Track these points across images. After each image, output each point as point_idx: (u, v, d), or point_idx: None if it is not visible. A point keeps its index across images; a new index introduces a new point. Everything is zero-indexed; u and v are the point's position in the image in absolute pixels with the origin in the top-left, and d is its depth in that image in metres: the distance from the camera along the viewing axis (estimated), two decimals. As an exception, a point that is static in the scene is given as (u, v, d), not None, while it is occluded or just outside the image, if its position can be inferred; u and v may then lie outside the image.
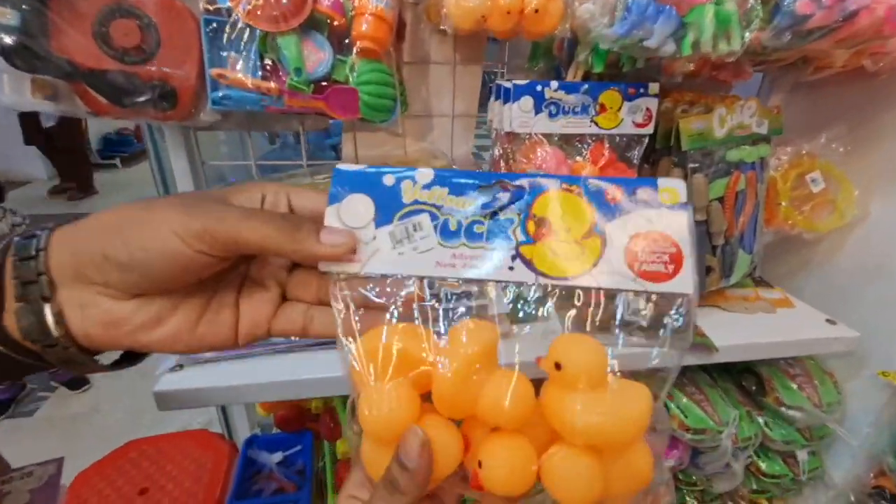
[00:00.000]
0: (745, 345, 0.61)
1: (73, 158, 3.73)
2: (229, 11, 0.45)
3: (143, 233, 0.23)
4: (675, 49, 0.47)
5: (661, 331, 0.28)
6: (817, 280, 0.75)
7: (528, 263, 0.25)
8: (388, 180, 0.26)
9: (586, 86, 0.55)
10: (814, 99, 0.74)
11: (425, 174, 0.27)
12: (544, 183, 0.26)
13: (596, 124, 0.56)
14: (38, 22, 0.41)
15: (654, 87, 0.56)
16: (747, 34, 0.47)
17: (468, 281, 0.26)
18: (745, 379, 0.74)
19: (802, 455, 0.71)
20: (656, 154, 0.63)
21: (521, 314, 0.28)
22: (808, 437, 0.70)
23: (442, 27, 0.58)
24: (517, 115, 0.55)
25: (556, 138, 0.57)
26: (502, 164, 0.62)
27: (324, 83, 0.48)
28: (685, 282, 0.25)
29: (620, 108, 0.56)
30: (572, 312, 0.28)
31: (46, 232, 0.25)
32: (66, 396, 1.79)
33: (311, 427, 0.79)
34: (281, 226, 0.24)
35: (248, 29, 0.45)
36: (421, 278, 0.26)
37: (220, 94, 0.47)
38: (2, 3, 0.39)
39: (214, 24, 0.45)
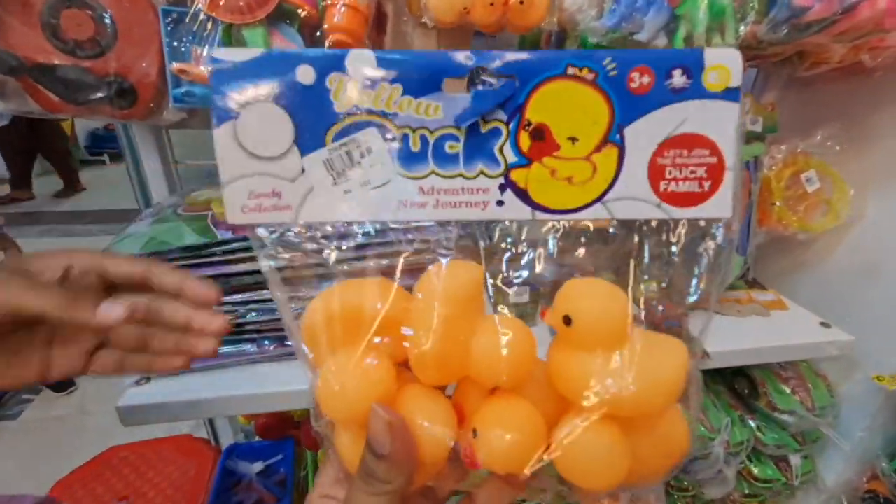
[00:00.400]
0: (737, 350, 0.59)
1: (57, 157, 3.64)
2: (192, 1, 0.42)
3: None
4: (666, 42, 0.45)
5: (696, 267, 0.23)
6: (812, 281, 0.73)
7: (522, 194, 0.19)
8: (306, 75, 0.18)
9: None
10: (809, 95, 0.72)
11: (363, 57, 0.18)
12: (542, 67, 0.18)
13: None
14: (-23, 12, 0.38)
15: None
16: (743, 27, 0.45)
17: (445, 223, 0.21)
18: (738, 382, 0.73)
19: (795, 459, 0.70)
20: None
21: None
22: (800, 441, 0.69)
23: (423, 20, 0.55)
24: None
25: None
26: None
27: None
28: (723, 202, 0.19)
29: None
30: (581, 251, 0.22)
31: None
32: (50, 399, 1.76)
33: (293, 434, 0.76)
34: (58, 300, 0.26)
35: (210, 20, 0.42)
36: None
37: (183, 90, 0.44)
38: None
39: (175, 15, 0.42)
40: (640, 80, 0.18)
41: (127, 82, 0.43)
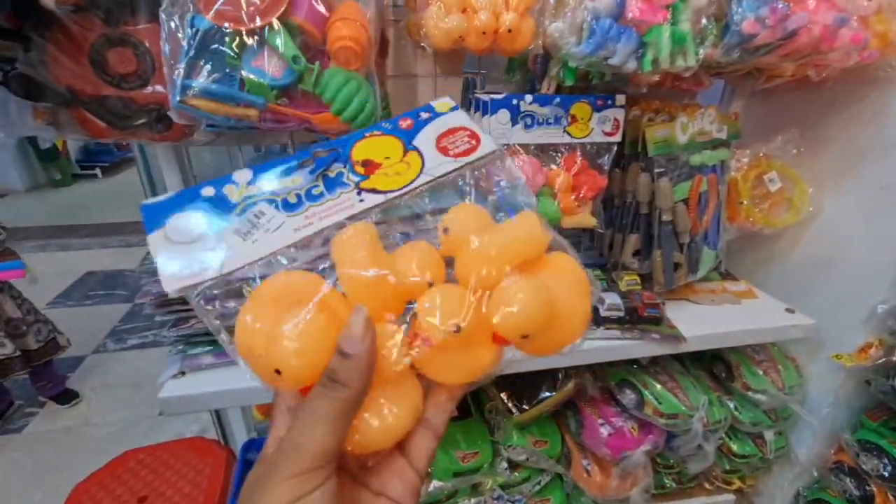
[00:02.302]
0: (711, 334, 0.66)
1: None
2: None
3: None
4: (636, 66, 0.51)
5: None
6: (779, 272, 0.80)
7: (374, 191, 0.29)
8: (208, 192, 0.28)
9: (558, 99, 0.59)
10: (771, 104, 0.79)
11: (243, 174, 0.29)
12: (352, 139, 0.32)
13: (568, 134, 0.60)
14: (38, 54, 0.43)
15: (620, 99, 0.60)
16: (701, 51, 0.52)
17: (329, 228, 0.27)
18: (715, 366, 0.79)
19: (769, 435, 0.76)
20: (626, 159, 0.68)
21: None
22: (773, 418, 0.76)
23: (422, 45, 0.62)
24: (495, 128, 0.59)
25: (532, 147, 0.61)
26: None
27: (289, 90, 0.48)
28: (487, 144, 0.32)
29: (590, 118, 0.60)
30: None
31: None
32: (55, 411, 1.78)
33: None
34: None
35: (223, 41, 0.45)
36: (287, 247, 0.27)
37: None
38: (6, 38, 0.41)
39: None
40: (405, 123, 0.33)
41: (165, 109, 0.48)
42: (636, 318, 0.65)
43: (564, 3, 0.54)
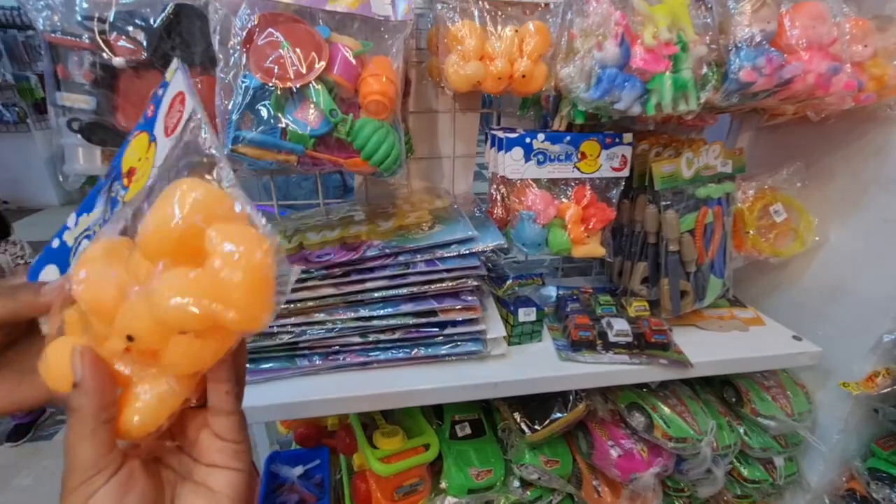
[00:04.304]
0: (718, 360, 0.68)
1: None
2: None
3: None
4: (641, 110, 0.55)
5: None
6: (787, 300, 0.82)
7: (580, 170, 0.43)
8: (55, 244, 0.34)
9: (569, 137, 0.63)
10: (776, 138, 0.82)
11: (71, 218, 0.34)
12: (121, 152, 0.34)
13: (578, 169, 0.64)
14: (107, 105, 0.49)
15: (627, 137, 0.64)
16: (703, 96, 0.56)
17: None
18: (726, 391, 0.81)
19: (779, 461, 0.77)
20: (634, 192, 0.71)
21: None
22: (783, 444, 0.77)
23: (441, 86, 0.67)
24: (509, 164, 0.63)
25: (543, 182, 0.65)
26: (499, 203, 0.70)
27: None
28: (189, 104, 0.28)
29: (599, 155, 0.64)
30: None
31: None
32: (83, 419, 1.84)
33: (327, 443, 0.85)
34: (6, 295, 0.29)
35: (269, 96, 0.51)
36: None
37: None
38: (80, 92, 0.48)
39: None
40: (150, 111, 0.32)
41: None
42: (644, 344, 0.67)
43: (574, 50, 0.59)
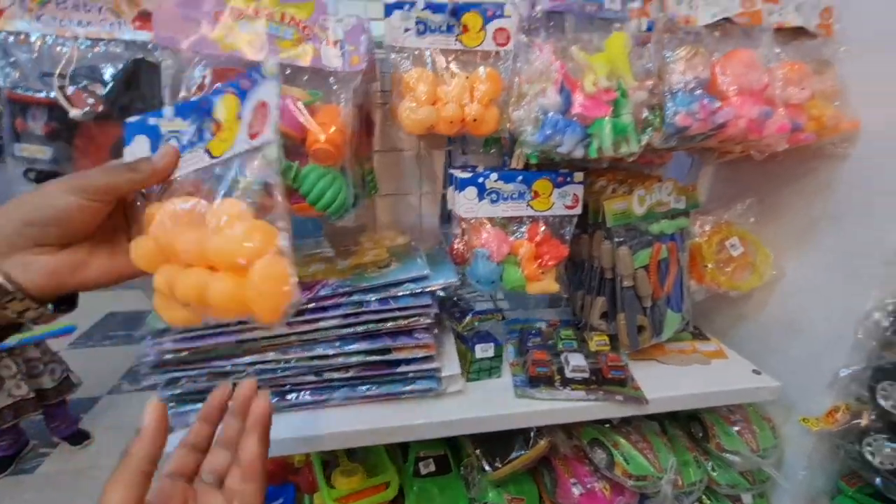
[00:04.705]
0: (675, 396, 0.68)
1: None
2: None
3: (46, 198, 0.35)
4: (583, 153, 0.57)
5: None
6: (752, 332, 0.82)
7: (209, 152, 0.38)
8: (152, 121, 0.41)
9: (521, 176, 0.65)
10: (735, 174, 0.84)
11: (168, 111, 0.40)
12: (220, 92, 0.40)
13: (532, 208, 0.66)
14: (65, 155, 0.51)
15: (578, 176, 0.65)
16: (644, 139, 0.58)
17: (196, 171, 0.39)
18: (693, 426, 0.80)
19: (747, 498, 0.76)
20: (592, 227, 0.73)
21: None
22: (751, 480, 0.76)
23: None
24: (463, 203, 0.65)
25: (498, 220, 0.66)
26: (459, 240, 0.72)
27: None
28: (269, 136, 0.36)
29: (551, 193, 0.66)
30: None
31: None
32: (67, 452, 1.83)
33: (293, 480, 0.84)
34: (125, 168, 0.37)
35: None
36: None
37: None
38: (38, 143, 0.50)
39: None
40: (243, 83, 0.39)
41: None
42: (601, 380, 0.68)
43: (523, 95, 0.61)
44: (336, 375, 0.62)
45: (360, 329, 0.61)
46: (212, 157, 0.38)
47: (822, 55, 0.64)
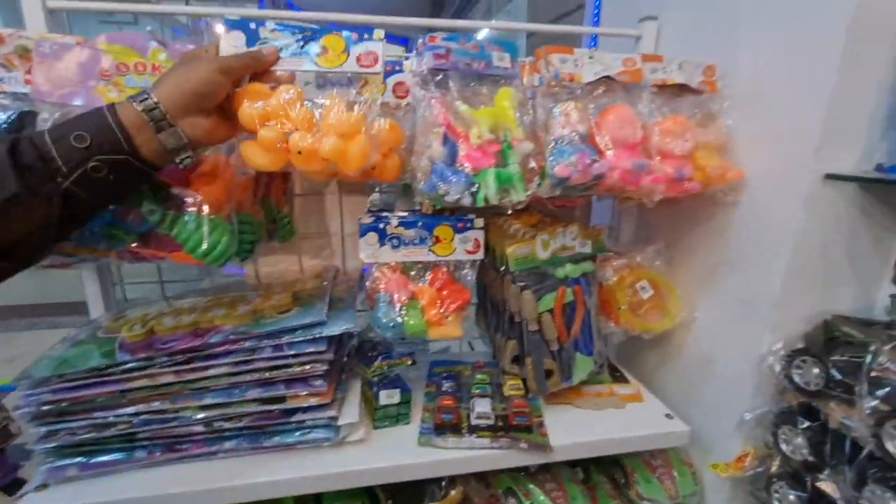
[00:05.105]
0: (584, 442, 0.67)
1: None
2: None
3: (204, 76, 0.47)
4: (471, 201, 0.59)
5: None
6: (671, 373, 0.82)
7: (317, 64, 0.53)
8: (252, 25, 0.53)
9: (421, 222, 0.66)
10: (650, 217, 0.86)
11: (270, 24, 0.53)
12: (325, 31, 0.54)
13: (434, 253, 0.67)
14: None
15: (478, 222, 0.67)
16: (530, 188, 0.59)
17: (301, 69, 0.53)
18: (615, 472, 0.79)
19: (670, 548, 0.74)
20: (503, 271, 0.73)
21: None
22: (673, 529, 0.74)
23: (310, 174, 0.71)
24: (364, 248, 0.65)
25: (401, 265, 0.67)
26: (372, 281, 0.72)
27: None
28: (378, 69, 0.55)
29: (453, 239, 0.67)
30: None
31: (149, 93, 0.45)
32: (3, 502, 1.72)
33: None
34: (250, 54, 0.51)
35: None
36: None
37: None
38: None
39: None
40: (355, 36, 0.55)
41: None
42: (507, 426, 0.67)
43: (421, 144, 0.63)
44: (228, 425, 0.61)
45: (249, 377, 0.60)
46: (319, 67, 0.53)
47: (709, 109, 0.68)
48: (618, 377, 0.83)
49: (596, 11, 1.06)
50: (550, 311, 0.69)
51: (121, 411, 0.58)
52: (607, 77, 0.62)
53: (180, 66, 0.48)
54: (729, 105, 0.67)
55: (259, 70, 0.52)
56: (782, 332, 0.63)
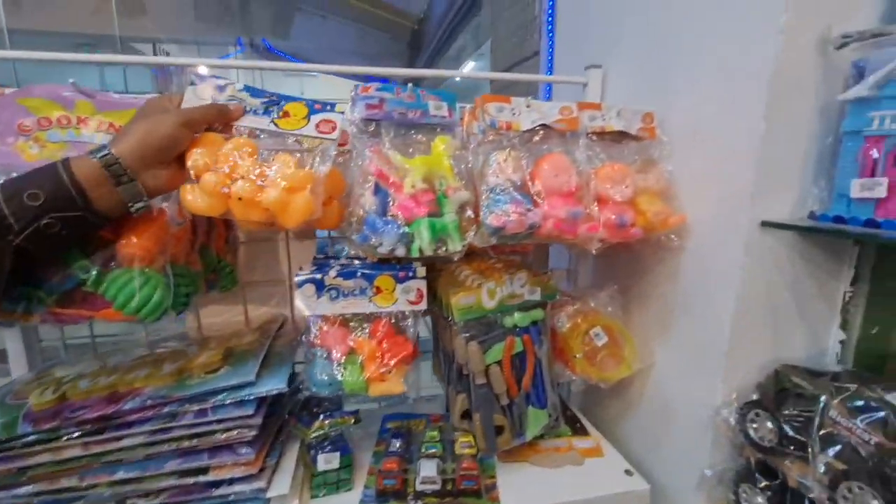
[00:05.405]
0: (538, 507, 0.62)
1: None
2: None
3: (166, 129, 0.47)
4: (405, 251, 0.57)
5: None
6: (633, 424, 0.79)
7: (277, 125, 0.54)
8: (221, 81, 0.55)
9: (360, 272, 0.63)
10: (607, 261, 0.85)
11: (240, 84, 0.56)
12: (289, 99, 0.57)
13: (375, 304, 0.64)
14: None
15: (420, 271, 0.64)
16: (467, 238, 0.58)
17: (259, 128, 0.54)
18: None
19: None
20: (450, 320, 0.71)
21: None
22: None
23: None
24: (302, 300, 0.62)
25: (339, 317, 0.64)
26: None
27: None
28: (334, 136, 0.55)
29: (394, 289, 0.64)
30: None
31: (108, 149, 0.45)
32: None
33: None
34: (217, 109, 0.52)
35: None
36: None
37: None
38: None
39: None
40: (318, 106, 0.57)
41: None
42: (455, 491, 0.62)
43: (356, 194, 0.62)
44: (142, 503, 0.55)
45: (172, 446, 0.55)
46: (278, 128, 0.54)
47: (649, 155, 0.68)
48: (578, 428, 0.79)
49: (549, 59, 1.09)
50: (499, 362, 0.66)
51: (19, 491, 0.52)
52: (544, 126, 0.62)
53: (143, 119, 0.48)
54: (669, 151, 0.68)
55: (221, 124, 0.53)
56: (735, 381, 0.61)
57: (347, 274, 0.63)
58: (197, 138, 0.51)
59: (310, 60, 0.89)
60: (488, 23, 1.81)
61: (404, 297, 0.65)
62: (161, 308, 0.53)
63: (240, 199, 0.50)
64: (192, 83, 0.53)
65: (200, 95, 0.53)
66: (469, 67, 3.81)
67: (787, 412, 0.54)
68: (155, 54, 3.40)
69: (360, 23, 4.67)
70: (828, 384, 0.54)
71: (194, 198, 0.50)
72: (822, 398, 0.52)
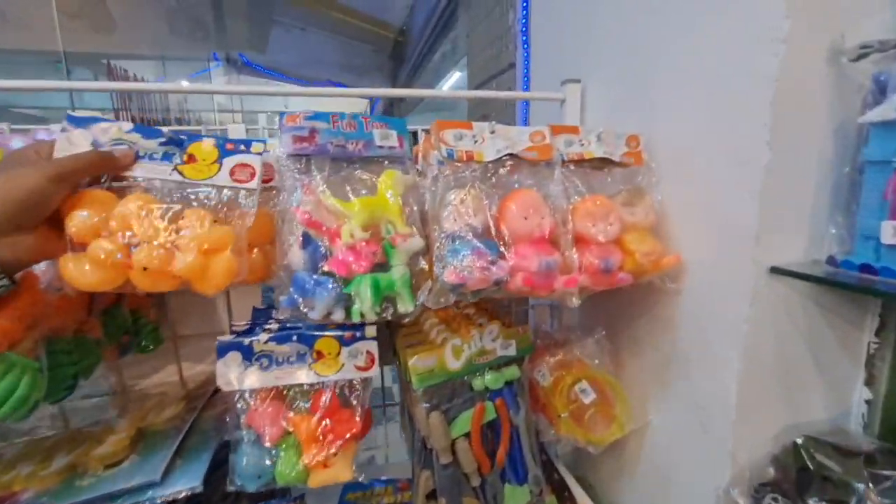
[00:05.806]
0: None
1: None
2: None
3: (29, 185, 0.38)
4: (343, 316, 0.47)
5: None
6: (628, 488, 0.69)
7: (181, 173, 0.45)
8: (104, 125, 0.45)
9: (296, 335, 0.53)
10: (598, 305, 0.75)
11: (125, 124, 0.46)
12: (193, 139, 0.47)
13: (315, 372, 0.53)
14: None
15: (370, 331, 0.54)
16: (423, 296, 0.48)
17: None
18: None
19: None
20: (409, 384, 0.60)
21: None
22: None
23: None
24: (223, 374, 0.52)
25: (271, 390, 0.53)
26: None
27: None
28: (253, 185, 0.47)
29: (339, 353, 0.54)
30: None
31: None
32: None
33: None
34: (98, 155, 0.42)
35: None
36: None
37: None
38: None
39: None
40: (230, 146, 0.48)
41: None
42: None
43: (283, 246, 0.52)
44: None
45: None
46: (183, 176, 0.45)
47: (635, 184, 0.59)
48: (566, 498, 0.68)
49: (525, 71, 1.01)
50: (467, 435, 0.56)
51: None
52: (511, 155, 0.52)
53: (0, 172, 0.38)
54: (657, 178, 0.58)
55: (108, 174, 0.44)
56: (745, 452, 0.51)
57: (282, 338, 0.53)
58: (76, 196, 0.41)
59: (290, 73, 0.87)
60: (465, 34, 1.74)
61: (351, 363, 0.54)
62: (28, 403, 0.42)
63: (144, 269, 0.41)
64: (64, 129, 0.43)
65: (75, 143, 0.42)
66: (454, 78, 3.75)
67: (812, 500, 0.45)
68: (109, 71, 3.27)
69: (342, 35, 4.61)
70: (861, 467, 0.44)
71: (80, 271, 0.41)
72: (858, 486, 0.42)
